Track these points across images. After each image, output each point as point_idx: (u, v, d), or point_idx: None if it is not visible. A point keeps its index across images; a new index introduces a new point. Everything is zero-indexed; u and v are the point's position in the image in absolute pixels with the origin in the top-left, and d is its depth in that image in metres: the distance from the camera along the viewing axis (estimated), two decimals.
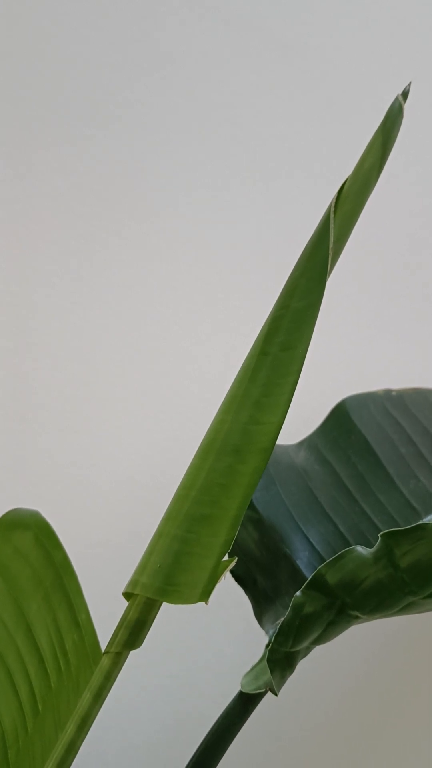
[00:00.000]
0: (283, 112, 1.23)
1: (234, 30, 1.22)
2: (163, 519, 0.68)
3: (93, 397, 1.23)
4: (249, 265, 1.24)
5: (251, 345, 0.67)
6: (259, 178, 1.24)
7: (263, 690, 0.82)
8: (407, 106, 0.63)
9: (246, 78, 1.23)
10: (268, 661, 0.79)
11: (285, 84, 1.23)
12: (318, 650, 0.88)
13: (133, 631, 0.68)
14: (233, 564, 0.63)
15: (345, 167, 0.72)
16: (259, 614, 0.92)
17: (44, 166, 1.23)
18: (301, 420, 0.99)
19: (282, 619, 0.80)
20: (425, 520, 0.89)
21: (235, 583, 0.93)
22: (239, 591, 0.93)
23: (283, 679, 0.81)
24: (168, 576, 0.65)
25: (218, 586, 0.63)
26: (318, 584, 0.77)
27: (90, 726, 0.70)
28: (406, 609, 0.80)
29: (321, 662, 1.14)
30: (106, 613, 0.80)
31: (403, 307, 1.24)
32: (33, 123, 1.23)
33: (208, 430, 0.67)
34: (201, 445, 0.67)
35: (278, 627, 0.79)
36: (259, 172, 1.24)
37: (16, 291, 1.23)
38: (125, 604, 0.69)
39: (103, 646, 0.71)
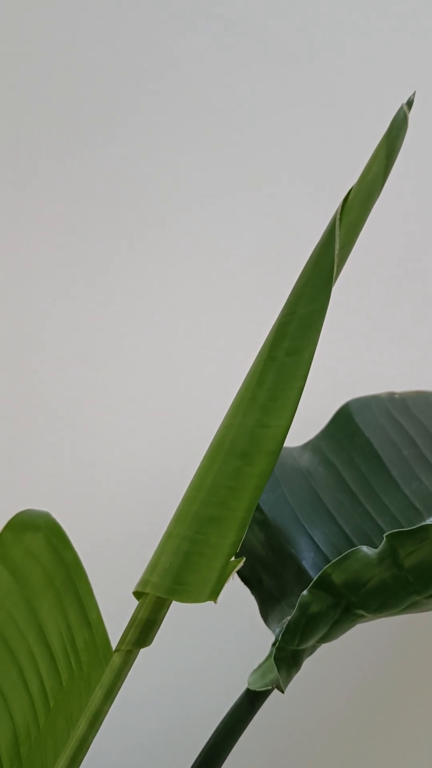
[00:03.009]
0: (286, 118, 1.24)
1: (238, 36, 1.23)
2: (172, 520, 0.68)
3: (96, 399, 1.24)
4: (251, 269, 1.24)
5: (256, 350, 0.68)
6: (262, 184, 1.24)
7: (270, 687, 0.83)
8: (411, 114, 0.64)
9: (250, 84, 1.23)
10: (275, 659, 0.79)
11: (288, 90, 1.23)
12: (323, 648, 0.89)
13: (144, 629, 0.69)
14: (241, 564, 0.64)
15: (348, 173, 0.73)
16: (265, 613, 0.93)
17: (49, 171, 1.24)
18: (306, 422, 1.00)
19: (288, 618, 0.80)
20: (429, 521, 0.89)
21: (241, 583, 0.94)
22: (245, 591, 0.94)
23: (289, 676, 0.82)
24: (177, 576, 0.66)
25: (225, 586, 0.64)
26: (324, 584, 0.78)
27: (101, 723, 0.71)
28: (410, 608, 0.81)
29: (326, 660, 1.15)
30: (114, 612, 0.81)
31: (406, 310, 1.25)
32: (37, 129, 1.24)
33: (216, 432, 0.68)
34: (209, 448, 0.68)
35: (285, 626, 0.79)
36: (262, 178, 1.24)
37: (21, 294, 1.24)
38: (132, 603, 0.70)
39: (114, 645, 0.72)
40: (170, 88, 1.23)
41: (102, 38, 1.23)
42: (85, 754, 0.73)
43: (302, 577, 0.93)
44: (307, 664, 0.87)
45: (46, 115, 1.23)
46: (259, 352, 0.67)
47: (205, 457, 0.68)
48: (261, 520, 0.94)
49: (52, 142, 1.23)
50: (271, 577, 0.93)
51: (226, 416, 0.67)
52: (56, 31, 1.23)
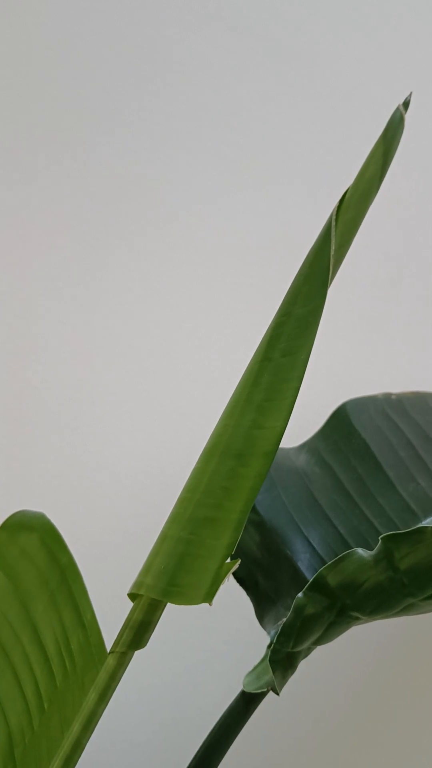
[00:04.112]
0: (285, 119, 1.24)
1: (238, 37, 1.23)
2: (167, 521, 0.68)
3: (95, 399, 1.24)
4: (250, 270, 1.24)
5: (254, 350, 0.67)
6: (260, 184, 1.24)
7: (265, 689, 0.83)
8: (408, 115, 0.64)
9: (249, 85, 1.23)
10: (269, 661, 0.79)
11: (287, 91, 1.23)
12: (318, 650, 0.89)
13: (138, 631, 0.69)
14: (236, 566, 0.63)
15: (346, 174, 0.73)
16: (261, 615, 0.92)
17: (48, 171, 1.24)
18: (302, 423, 0.99)
19: (283, 619, 0.80)
20: (424, 523, 0.89)
21: (237, 585, 0.94)
22: (241, 592, 0.94)
23: (284, 678, 0.81)
24: (172, 577, 0.65)
25: (221, 587, 0.63)
26: (319, 586, 0.78)
27: (95, 725, 0.71)
28: (406, 610, 0.80)
29: (322, 662, 1.15)
30: (110, 614, 0.81)
31: (403, 310, 1.25)
32: (36, 129, 1.24)
33: (212, 433, 0.67)
34: (204, 449, 0.68)
35: (280, 627, 0.79)
36: (262, 178, 1.24)
37: (21, 294, 1.24)
38: (129, 604, 0.69)
39: (108, 647, 0.72)
40: (170, 89, 1.23)
41: (102, 38, 1.23)
42: (79, 756, 0.72)
43: (298, 579, 0.93)
44: (302, 666, 0.87)
45: (45, 116, 1.23)
46: (255, 353, 0.66)
47: (200, 458, 0.67)
48: (257, 522, 0.94)
49: (52, 142, 1.23)
50: (266, 578, 0.93)
51: (221, 417, 0.67)
52: (56, 31, 1.23)
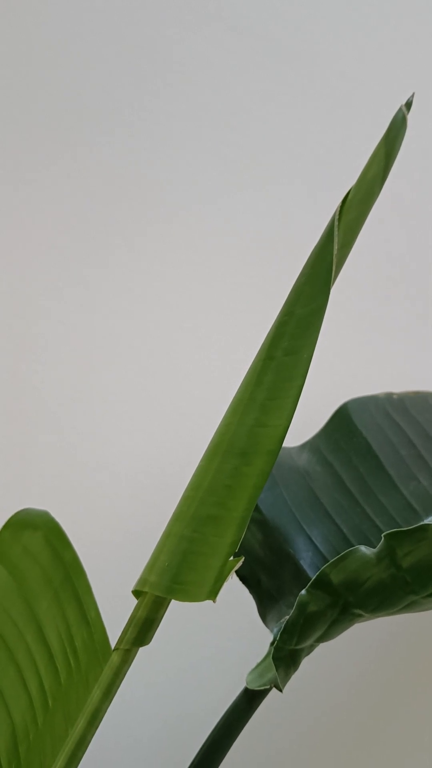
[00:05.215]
0: (285, 119, 1.24)
1: (238, 37, 1.23)
2: (171, 519, 0.69)
3: (95, 399, 1.24)
4: (250, 270, 1.24)
5: (254, 350, 0.68)
6: (261, 184, 1.25)
7: (268, 687, 0.83)
8: (409, 115, 0.64)
9: (249, 85, 1.23)
10: (273, 658, 0.79)
11: (287, 91, 1.24)
12: (321, 647, 0.89)
13: (142, 628, 0.69)
14: (240, 564, 0.64)
15: (347, 175, 0.74)
16: (263, 613, 0.93)
17: (48, 170, 1.24)
18: (304, 422, 1.00)
19: (286, 617, 0.80)
20: (426, 521, 0.89)
21: (240, 582, 0.94)
22: (243, 590, 0.94)
23: (287, 675, 0.82)
24: (176, 575, 0.66)
25: (224, 585, 0.64)
26: (322, 583, 0.78)
27: (100, 721, 0.71)
28: (408, 608, 0.81)
29: (324, 659, 1.15)
30: (111, 613, 0.81)
31: (405, 310, 1.25)
32: (36, 128, 1.24)
33: (215, 432, 0.68)
34: (208, 447, 0.68)
35: (283, 625, 0.79)
36: (262, 178, 1.24)
37: (20, 294, 1.24)
38: (130, 603, 0.70)
39: (112, 644, 0.72)
40: (170, 89, 1.23)
41: (102, 38, 1.23)
42: (83, 753, 0.73)
43: (300, 577, 0.93)
44: (305, 663, 0.87)
45: (45, 116, 1.24)
46: (258, 352, 0.67)
47: (203, 456, 0.68)
48: (259, 520, 0.94)
49: (52, 141, 1.23)
50: (269, 576, 0.93)
51: (225, 416, 0.67)
52: (56, 31, 1.23)
